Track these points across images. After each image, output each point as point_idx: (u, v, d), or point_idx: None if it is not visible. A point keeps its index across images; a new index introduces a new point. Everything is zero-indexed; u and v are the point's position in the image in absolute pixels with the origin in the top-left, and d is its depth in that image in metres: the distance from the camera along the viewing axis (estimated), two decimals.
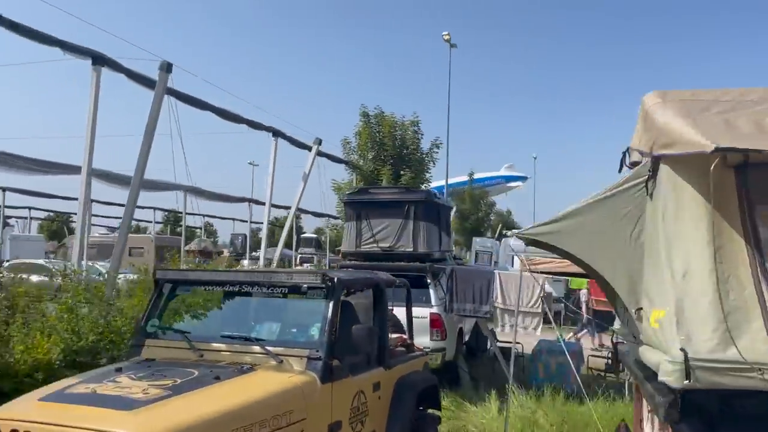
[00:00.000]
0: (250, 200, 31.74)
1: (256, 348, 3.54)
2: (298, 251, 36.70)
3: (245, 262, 31.89)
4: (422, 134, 18.15)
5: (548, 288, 14.89)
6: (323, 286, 3.60)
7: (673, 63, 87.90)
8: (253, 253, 34.43)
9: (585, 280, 7.08)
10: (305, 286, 3.66)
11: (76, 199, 29.83)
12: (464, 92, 74.43)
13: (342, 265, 8.44)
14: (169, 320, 3.94)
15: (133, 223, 40.04)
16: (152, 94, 8.92)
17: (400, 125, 17.94)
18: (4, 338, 5.42)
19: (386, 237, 8.01)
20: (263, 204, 33.88)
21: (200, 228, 57.54)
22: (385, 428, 4.03)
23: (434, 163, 18.17)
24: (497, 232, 31.40)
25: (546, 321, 7.76)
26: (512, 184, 47.38)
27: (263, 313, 4.07)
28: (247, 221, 42.05)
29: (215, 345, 3.65)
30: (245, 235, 44.54)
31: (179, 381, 3.02)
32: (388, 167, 17.04)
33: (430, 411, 4.69)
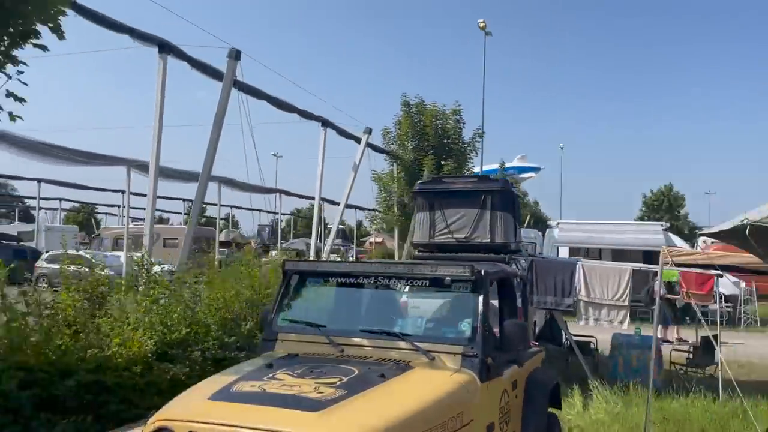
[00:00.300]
0: (281, 191, 31.77)
1: (402, 344, 3.36)
2: (325, 242, 36.69)
3: (273, 253, 31.96)
4: (464, 123, 17.85)
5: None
6: (472, 278, 3.40)
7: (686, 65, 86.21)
8: (284, 243, 34.54)
9: (676, 272, 6.79)
10: (449, 278, 3.46)
11: (108, 190, 29.91)
12: (490, 83, 73.75)
13: (416, 256, 8.24)
14: (298, 313, 3.78)
15: (156, 213, 40.34)
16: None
17: (441, 114, 17.64)
18: (102, 331, 5.33)
19: (461, 228, 7.78)
20: (294, 195, 33.83)
21: (224, 219, 57.84)
22: (520, 429, 3.84)
23: (476, 153, 17.85)
24: (526, 222, 30.93)
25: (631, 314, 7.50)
26: (525, 175, 46.85)
27: (398, 305, 3.89)
28: (270, 212, 42.22)
29: (355, 340, 3.48)
30: (271, 226, 44.69)
31: (345, 379, 2.85)
32: (431, 157, 16.77)
33: (551, 410, 4.49)
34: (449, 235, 7.84)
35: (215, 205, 29.12)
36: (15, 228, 31.09)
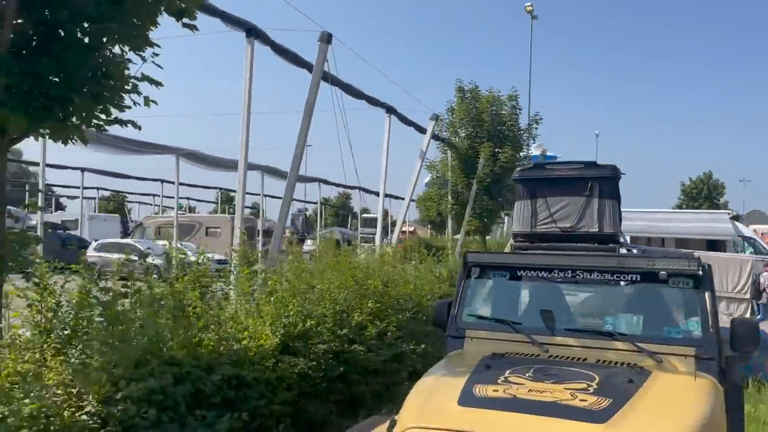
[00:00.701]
0: (320, 180, 31.68)
1: (619, 344, 3.09)
2: (359, 231, 36.56)
3: (309, 242, 31.94)
4: (520, 109, 17.43)
5: None
6: (698, 272, 3.11)
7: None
8: (321, 232, 34.44)
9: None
10: (664, 273, 3.18)
11: (147, 179, 30.02)
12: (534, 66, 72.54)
13: (517, 246, 7.93)
14: (483, 309, 3.53)
15: (185, 202, 40.48)
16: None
17: (496, 100, 17.23)
18: (239, 324, 5.18)
19: (566, 216, 7.40)
20: (334, 185, 33.64)
21: (252, 207, 58.21)
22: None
23: (534, 140, 17.40)
24: None
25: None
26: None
27: (601, 302, 3.62)
28: (300, 200, 42.16)
29: (559, 339, 3.22)
30: (305, 215, 44.73)
31: (594, 385, 2.60)
32: (487, 144, 16.40)
33: None
34: (552, 224, 7.51)
35: (257, 194, 29.09)
36: (58, 217, 31.50)
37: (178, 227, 24.87)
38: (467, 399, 2.51)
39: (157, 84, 4.24)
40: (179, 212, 29.94)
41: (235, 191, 37.97)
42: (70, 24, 3.71)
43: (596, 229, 7.43)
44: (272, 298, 5.76)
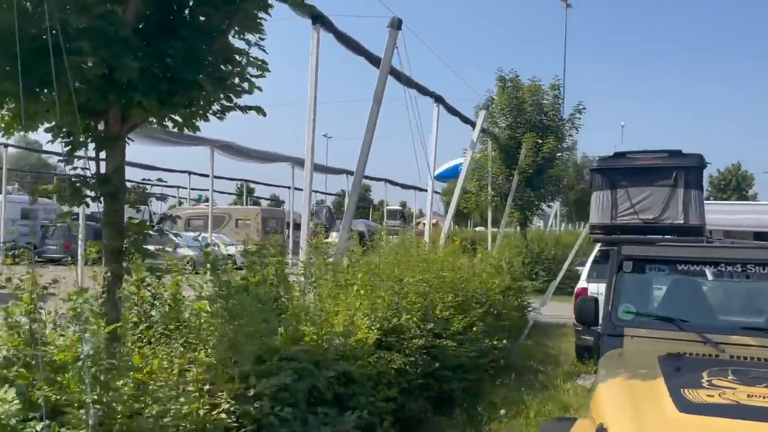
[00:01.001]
0: (348, 172, 31.47)
1: None
2: (385, 223, 36.38)
3: (334, 234, 31.83)
4: (562, 99, 17.05)
5: None
6: None
7: None
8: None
9: None
10: None
11: (175, 171, 29.95)
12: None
13: (596, 239, 7.72)
14: (639, 305, 3.33)
15: (198, 194, 40.47)
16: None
17: (538, 90, 16.88)
18: (333, 317, 5.02)
19: (649, 207, 7.20)
20: (366, 177, 33.50)
21: (273, 199, 58.17)
22: None
23: (577, 130, 17.04)
24: None
25: None
26: None
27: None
28: (318, 191, 41.92)
29: (736, 338, 3.00)
30: (329, 207, 44.63)
31: None
32: (531, 134, 16.08)
33: None
34: (634, 216, 7.28)
35: (287, 187, 28.97)
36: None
37: (206, 219, 24.72)
38: (686, 405, 2.31)
39: (264, 69, 4.07)
40: (206, 204, 29.96)
41: (258, 183, 37.55)
42: (197, 6, 3.55)
43: (681, 221, 7.21)
44: (361, 292, 5.61)
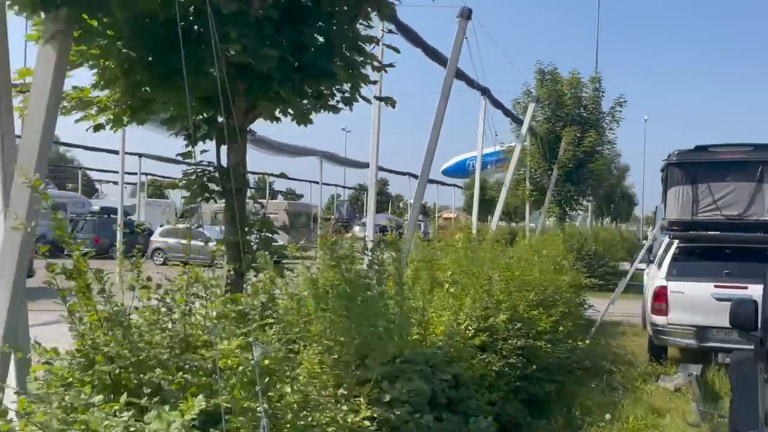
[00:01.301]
0: (378, 167, 31.29)
1: None
2: (404, 218, 36.17)
3: (356, 228, 31.65)
4: (603, 92, 16.73)
5: None
6: None
7: None
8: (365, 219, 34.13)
9: None
10: None
11: (195, 164, 30.36)
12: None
13: (675, 236, 7.47)
14: None
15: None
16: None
17: (577, 83, 16.57)
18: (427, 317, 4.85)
19: (733, 203, 6.97)
20: (391, 172, 33.22)
21: (290, 192, 58.13)
22: None
23: (618, 123, 16.71)
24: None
25: None
26: None
27: None
28: (343, 186, 41.79)
29: None
30: (350, 201, 44.52)
31: None
32: (572, 128, 15.78)
33: None
34: (717, 212, 7.04)
35: (313, 182, 28.90)
36: (116, 202, 31.83)
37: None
38: None
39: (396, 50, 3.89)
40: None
41: (287, 178, 37.44)
42: None
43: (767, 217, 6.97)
44: (451, 290, 5.42)
